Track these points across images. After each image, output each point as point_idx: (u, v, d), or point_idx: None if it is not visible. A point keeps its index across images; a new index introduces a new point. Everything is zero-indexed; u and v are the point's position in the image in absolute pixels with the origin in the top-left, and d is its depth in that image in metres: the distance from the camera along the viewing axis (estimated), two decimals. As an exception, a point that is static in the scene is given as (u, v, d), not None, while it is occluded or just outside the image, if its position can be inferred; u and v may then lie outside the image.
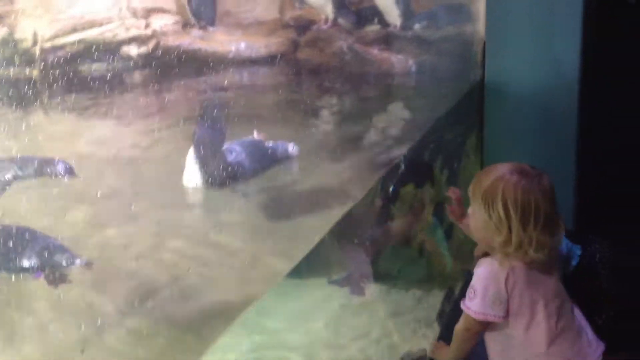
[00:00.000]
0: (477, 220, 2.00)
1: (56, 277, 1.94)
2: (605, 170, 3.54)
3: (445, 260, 3.02)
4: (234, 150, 2.79)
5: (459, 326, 2.05)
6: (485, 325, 2.00)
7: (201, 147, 2.68)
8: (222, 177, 2.67)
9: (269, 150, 2.91)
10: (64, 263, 1.95)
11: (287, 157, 2.93)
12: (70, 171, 2.68)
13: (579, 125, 3.36)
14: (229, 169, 2.69)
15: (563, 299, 2.04)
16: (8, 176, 2.61)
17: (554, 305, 1.99)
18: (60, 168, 2.69)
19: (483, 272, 1.98)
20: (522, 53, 3.42)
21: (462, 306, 2.00)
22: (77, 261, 1.98)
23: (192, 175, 2.62)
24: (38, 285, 1.93)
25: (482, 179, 2.00)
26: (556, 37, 3.31)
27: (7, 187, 2.54)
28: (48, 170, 2.65)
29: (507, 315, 1.95)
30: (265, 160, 2.85)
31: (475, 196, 2.00)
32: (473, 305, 1.96)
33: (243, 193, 2.68)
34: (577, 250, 2.72)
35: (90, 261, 2.00)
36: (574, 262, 2.70)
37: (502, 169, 2.00)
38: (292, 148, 2.95)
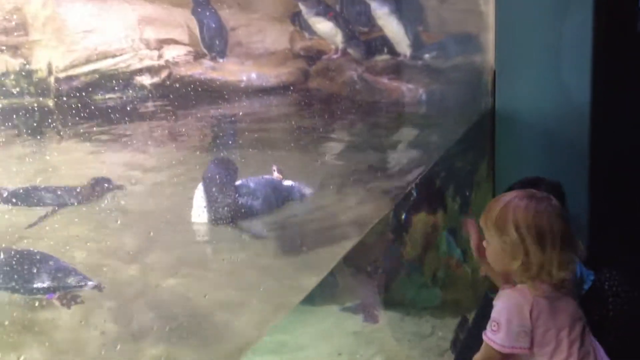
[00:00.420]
0: (493, 250, 2.01)
1: (68, 298, 1.96)
2: (618, 197, 3.52)
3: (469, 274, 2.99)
4: (246, 188, 2.74)
5: (479, 357, 2.03)
6: (509, 357, 1.97)
7: (211, 184, 2.64)
8: (231, 215, 2.60)
9: (284, 192, 2.85)
10: (75, 285, 1.98)
11: (300, 198, 2.88)
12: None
13: (590, 152, 3.36)
14: (239, 208, 2.64)
15: (584, 324, 2.02)
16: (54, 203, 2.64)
17: (577, 332, 1.98)
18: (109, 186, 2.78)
19: (506, 304, 1.97)
20: (532, 81, 3.45)
21: (485, 338, 1.98)
22: (89, 283, 2.01)
23: (200, 212, 2.56)
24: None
25: (492, 208, 2.02)
26: (565, 65, 3.34)
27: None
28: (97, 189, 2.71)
29: (531, 346, 1.94)
30: (278, 200, 2.78)
31: (488, 226, 2.01)
32: (497, 338, 1.94)
33: (253, 231, 2.63)
34: (590, 276, 2.70)
35: (100, 284, 2.02)
36: (585, 287, 2.68)
37: (510, 196, 2.03)
38: (307, 190, 2.90)
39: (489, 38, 3.61)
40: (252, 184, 2.77)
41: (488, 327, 1.99)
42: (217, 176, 2.70)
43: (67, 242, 2.33)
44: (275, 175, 2.96)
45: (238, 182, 2.77)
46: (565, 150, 3.43)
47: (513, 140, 3.53)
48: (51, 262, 2.04)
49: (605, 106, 3.48)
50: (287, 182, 2.91)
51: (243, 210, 2.61)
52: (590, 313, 2.45)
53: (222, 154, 3.06)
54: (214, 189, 2.62)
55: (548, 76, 3.41)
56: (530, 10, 3.40)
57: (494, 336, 1.95)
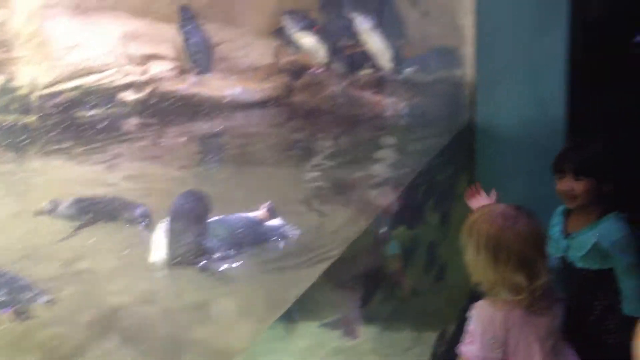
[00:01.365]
0: (466, 260, 2.05)
1: (23, 312, 1.99)
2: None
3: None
4: (218, 228, 2.46)
5: None
6: None
7: (178, 220, 2.39)
8: (195, 257, 2.34)
9: (263, 234, 2.56)
10: (29, 300, 2.00)
11: (281, 240, 2.59)
12: (147, 217, 2.68)
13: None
14: (206, 249, 2.37)
15: (557, 338, 2.05)
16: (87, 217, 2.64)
17: (549, 344, 2.01)
18: (138, 213, 2.70)
19: (479, 316, 2.01)
20: (511, 95, 3.49)
21: (460, 350, 2.01)
22: (42, 299, 2.04)
23: (160, 252, 2.33)
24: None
25: (468, 220, 2.06)
26: (543, 79, 3.39)
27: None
28: (126, 215, 2.67)
29: (504, 357, 1.97)
30: (255, 243, 2.49)
31: (463, 236, 2.06)
32: (472, 350, 1.98)
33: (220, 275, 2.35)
34: None
35: (53, 299, 2.05)
36: None
37: (487, 209, 2.08)
38: (291, 232, 2.63)
39: (469, 52, 3.66)
40: (225, 223, 2.51)
41: (464, 338, 2.03)
42: (186, 212, 2.45)
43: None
44: (261, 213, 2.70)
45: (211, 220, 2.51)
46: (544, 161, 3.46)
47: (493, 153, 3.57)
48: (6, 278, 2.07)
49: (581, 119, 3.53)
50: (272, 222, 2.66)
51: (211, 252, 2.37)
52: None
53: (193, 187, 2.74)
54: (180, 226, 2.38)
55: (526, 90, 3.45)
56: (508, 25, 3.45)
57: (467, 348, 1.99)
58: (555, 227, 2.59)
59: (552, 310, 2.08)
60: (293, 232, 2.61)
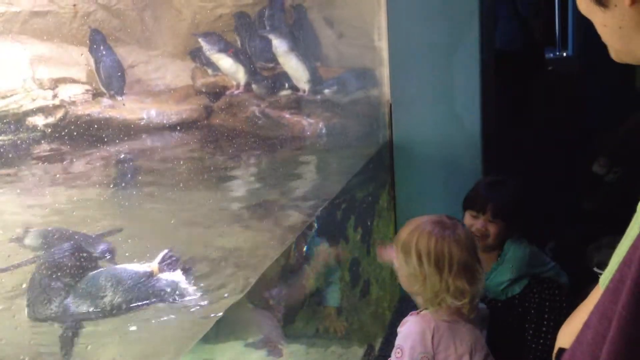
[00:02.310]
0: (400, 272, 2.07)
1: None
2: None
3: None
4: (98, 283, 2.12)
5: None
6: None
7: (44, 273, 2.09)
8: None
9: (152, 292, 2.16)
10: None
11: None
12: (110, 253, 2.47)
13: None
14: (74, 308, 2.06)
15: (486, 353, 2.08)
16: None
17: (480, 358, 2.03)
18: (101, 249, 2.48)
19: (409, 330, 2.01)
20: (426, 112, 3.58)
21: None
22: None
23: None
24: None
25: (401, 232, 2.09)
26: (457, 97, 3.49)
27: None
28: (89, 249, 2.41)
29: None
30: (142, 300, 2.14)
31: (397, 249, 2.07)
32: None
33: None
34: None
35: None
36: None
37: (418, 221, 2.09)
38: (189, 290, 2.22)
39: (385, 72, 3.73)
40: (105, 277, 2.16)
41: (393, 353, 2.02)
42: (55, 264, 2.15)
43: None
44: (154, 265, 2.26)
45: (93, 273, 2.19)
46: (460, 176, 3.56)
47: (411, 170, 3.64)
48: None
49: (496, 132, 3.66)
50: (167, 276, 2.24)
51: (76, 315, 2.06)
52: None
53: (74, 238, 2.45)
54: (46, 281, 2.09)
55: (441, 108, 3.55)
56: (421, 45, 3.54)
57: None
58: None
59: (479, 322, 2.12)
60: (191, 290, 2.22)
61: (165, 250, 2.30)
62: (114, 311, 2.10)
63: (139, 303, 2.13)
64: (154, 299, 2.15)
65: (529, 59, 4.89)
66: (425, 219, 2.09)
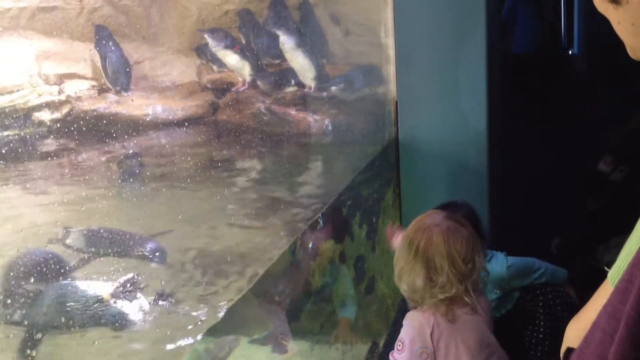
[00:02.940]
0: (400, 268, 2.09)
1: None
2: (515, 216, 3.69)
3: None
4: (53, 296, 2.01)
5: None
6: None
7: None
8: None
9: (100, 316, 2.01)
10: None
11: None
12: (159, 251, 2.45)
13: (489, 176, 3.50)
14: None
15: (492, 350, 2.07)
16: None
17: (482, 357, 2.03)
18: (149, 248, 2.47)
19: (410, 325, 2.03)
20: (432, 111, 3.57)
21: (391, 357, 2.03)
22: None
23: None
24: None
25: (406, 234, 2.11)
26: (463, 94, 3.48)
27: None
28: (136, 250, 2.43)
29: None
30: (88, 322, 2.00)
31: (399, 248, 2.12)
32: (401, 358, 1.99)
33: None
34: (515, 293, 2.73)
35: None
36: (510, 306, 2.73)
37: (417, 219, 2.12)
38: (138, 318, 2.07)
39: (391, 70, 3.73)
40: (51, 293, 2.04)
41: (395, 345, 2.04)
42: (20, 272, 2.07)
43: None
44: (108, 291, 2.09)
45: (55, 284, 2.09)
46: (465, 174, 3.56)
47: (416, 167, 3.63)
48: None
49: (502, 130, 3.66)
50: (121, 305, 2.05)
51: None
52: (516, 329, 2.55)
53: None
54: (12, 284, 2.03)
55: (446, 105, 3.54)
56: (427, 42, 3.54)
57: (398, 355, 2.01)
58: None
59: (479, 320, 2.11)
60: (139, 319, 2.08)
61: (129, 275, 2.14)
62: (64, 328, 2.01)
63: (84, 325, 2.02)
64: (101, 322, 2.03)
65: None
66: (421, 217, 2.13)
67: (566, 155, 3.89)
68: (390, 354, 2.05)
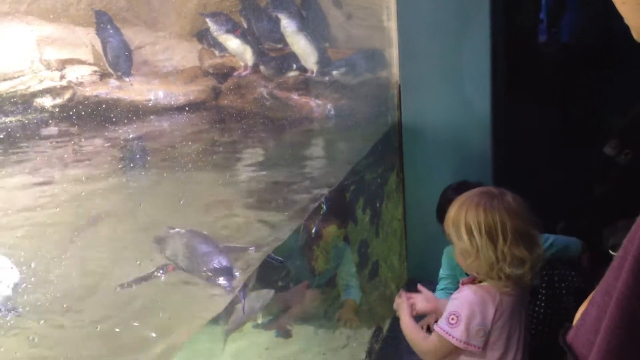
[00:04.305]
0: (455, 250, 2.02)
1: None
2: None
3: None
4: None
5: (428, 346, 2.00)
6: (456, 351, 1.96)
7: None
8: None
9: None
10: None
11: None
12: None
13: (493, 159, 3.49)
14: None
15: (528, 332, 2.04)
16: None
17: (524, 340, 1.99)
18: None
19: (469, 299, 1.94)
20: (435, 94, 3.55)
21: (439, 330, 1.95)
22: None
23: None
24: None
25: (450, 210, 2.04)
26: (466, 77, 3.46)
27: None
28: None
29: (485, 346, 1.93)
30: None
31: (447, 228, 2.03)
32: (455, 332, 1.91)
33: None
34: None
35: None
36: None
37: (465, 196, 2.04)
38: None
39: (394, 53, 3.70)
40: None
41: (443, 319, 1.95)
42: None
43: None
44: None
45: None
46: (468, 159, 3.55)
47: (420, 151, 3.62)
48: None
49: (505, 114, 3.63)
50: None
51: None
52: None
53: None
54: None
55: (450, 89, 3.52)
56: (430, 26, 3.51)
57: (451, 329, 1.92)
58: (457, 268, 2.64)
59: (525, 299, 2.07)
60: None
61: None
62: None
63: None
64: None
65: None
66: (471, 192, 2.04)
67: (571, 139, 3.87)
68: (435, 326, 1.97)
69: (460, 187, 2.73)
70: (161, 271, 2.11)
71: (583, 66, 4.44)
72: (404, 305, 2.16)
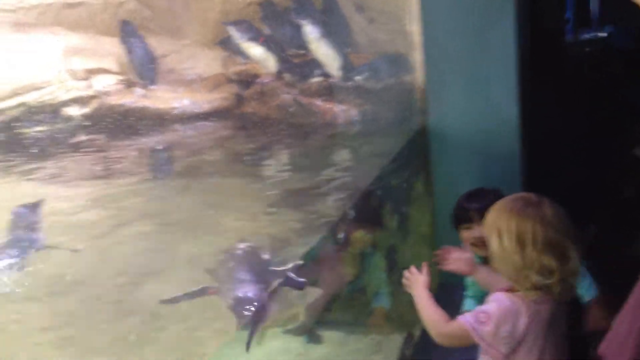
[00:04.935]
0: (491, 256, 2.00)
1: None
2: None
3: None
4: None
5: (446, 329, 1.98)
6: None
7: None
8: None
9: None
10: None
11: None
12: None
13: (521, 162, 3.46)
14: None
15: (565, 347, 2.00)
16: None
17: (562, 351, 1.95)
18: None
19: (503, 304, 1.92)
20: (460, 98, 3.52)
21: (465, 322, 1.92)
22: None
23: None
24: None
25: (487, 216, 2.02)
26: (492, 80, 3.43)
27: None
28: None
29: (512, 354, 1.90)
30: None
31: (484, 232, 2.02)
32: (483, 330, 1.89)
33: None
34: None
35: None
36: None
37: (502, 201, 2.02)
38: None
39: (417, 57, 3.68)
40: None
41: (473, 314, 1.93)
42: None
43: None
44: None
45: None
46: (497, 162, 3.51)
47: (447, 155, 3.59)
48: None
49: (532, 117, 3.60)
50: None
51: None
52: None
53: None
54: None
55: (476, 92, 3.49)
56: (454, 28, 3.49)
57: (479, 326, 1.89)
58: (475, 285, 2.64)
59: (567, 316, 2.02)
60: None
61: None
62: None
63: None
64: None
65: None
66: (509, 197, 2.02)
67: (601, 142, 3.83)
68: (462, 316, 1.94)
69: (471, 196, 2.72)
70: (204, 293, 2.13)
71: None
72: (421, 279, 2.13)
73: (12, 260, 2.55)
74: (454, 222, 2.73)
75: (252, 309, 1.95)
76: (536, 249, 1.88)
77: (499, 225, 1.94)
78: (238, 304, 1.97)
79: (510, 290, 1.98)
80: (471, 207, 2.64)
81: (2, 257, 2.56)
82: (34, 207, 2.80)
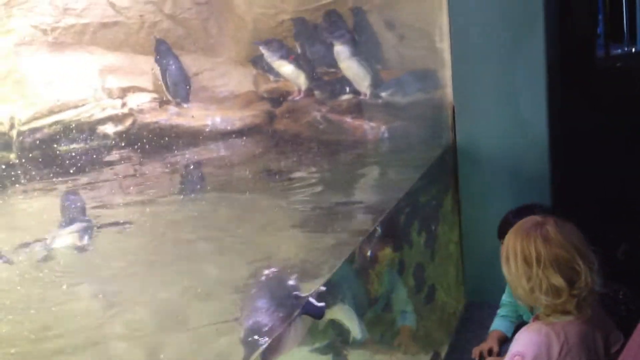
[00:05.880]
0: (505, 275, 2.05)
1: None
2: (581, 223, 3.59)
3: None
4: None
5: None
6: None
7: None
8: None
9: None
10: None
11: None
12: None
13: (551, 181, 3.43)
14: None
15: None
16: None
17: None
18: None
19: (534, 339, 1.94)
20: (490, 115, 3.52)
21: None
22: None
23: None
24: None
25: (513, 241, 2.04)
26: (522, 98, 3.42)
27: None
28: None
29: None
30: None
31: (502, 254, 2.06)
32: None
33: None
34: None
35: None
36: None
37: (513, 227, 2.06)
38: None
39: (447, 74, 3.69)
40: None
41: (509, 358, 1.95)
42: None
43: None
44: None
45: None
46: (526, 179, 3.49)
47: (476, 173, 3.59)
48: None
49: (562, 133, 3.57)
50: None
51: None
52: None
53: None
54: None
55: (505, 109, 3.48)
56: (484, 46, 3.49)
57: None
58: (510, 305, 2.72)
59: (608, 339, 2.01)
60: None
61: None
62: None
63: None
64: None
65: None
66: (519, 221, 2.06)
67: (632, 160, 3.77)
68: None
69: (520, 211, 2.71)
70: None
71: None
72: None
73: (85, 224, 2.93)
74: (498, 236, 2.73)
75: (264, 342, 1.89)
76: (541, 268, 1.89)
77: (507, 250, 1.97)
78: (249, 335, 1.91)
79: (535, 318, 1.99)
80: (515, 222, 2.63)
81: (78, 220, 2.93)
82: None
